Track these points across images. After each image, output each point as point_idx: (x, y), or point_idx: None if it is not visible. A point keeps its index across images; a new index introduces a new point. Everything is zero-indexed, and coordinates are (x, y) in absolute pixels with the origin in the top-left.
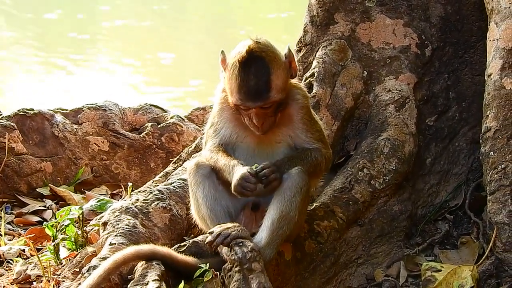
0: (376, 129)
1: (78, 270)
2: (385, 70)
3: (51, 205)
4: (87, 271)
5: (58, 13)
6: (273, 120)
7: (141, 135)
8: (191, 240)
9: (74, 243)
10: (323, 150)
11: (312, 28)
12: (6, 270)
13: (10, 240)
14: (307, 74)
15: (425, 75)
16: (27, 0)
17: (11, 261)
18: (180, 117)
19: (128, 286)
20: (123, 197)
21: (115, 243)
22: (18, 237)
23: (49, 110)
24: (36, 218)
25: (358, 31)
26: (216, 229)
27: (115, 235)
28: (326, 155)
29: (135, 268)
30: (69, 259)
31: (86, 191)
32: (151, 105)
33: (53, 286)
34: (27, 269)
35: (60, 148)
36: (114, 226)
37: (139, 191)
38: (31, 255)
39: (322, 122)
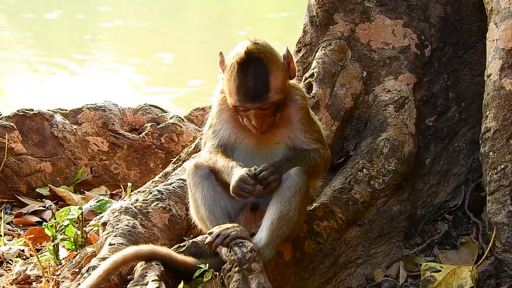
0: (375, 129)
1: (77, 270)
2: (385, 71)
3: (51, 205)
4: (86, 272)
5: (58, 13)
6: (272, 120)
7: (141, 136)
8: (190, 241)
9: (73, 244)
10: (321, 151)
11: (311, 28)
12: (6, 270)
13: (9, 241)
14: (307, 75)
15: (425, 76)
16: (27, 0)
17: (10, 262)
18: (179, 117)
19: (128, 286)
20: (122, 197)
21: (114, 244)
22: (18, 238)
23: (48, 110)
24: (35, 219)
25: (358, 32)
26: (216, 229)
27: (115, 236)
28: (325, 156)
29: (134, 269)
30: (69, 260)
31: (85, 192)
32: (150, 105)
33: (53, 286)
34: (26, 269)
35: (60, 148)
36: (113, 227)
37: (138, 192)
38: (31, 256)
39: (321, 122)
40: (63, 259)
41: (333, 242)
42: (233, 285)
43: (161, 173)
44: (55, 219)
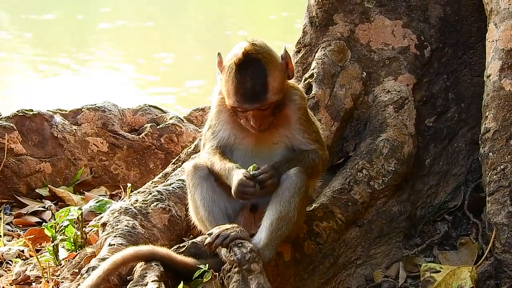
0: (375, 130)
1: (77, 271)
2: (384, 71)
3: (50, 206)
4: (86, 272)
5: (58, 14)
6: (270, 120)
7: (140, 136)
8: (190, 241)
9: (73, 244)
10: (319, 152)
11: (311, 29)
12: (5, 271)
13: (9, 241)
14: (306, 75)
15: (424, 76)
16: (27, 0)
17: (10, 262)
18: (179, 118)
19: (127, 287)
20: (122, 198)
21: (114, 244)
22: (17, 238)
23: (48, 111)
24: (35, 219)
25: (357, 32)
26: (215, 230)
27: (114, 236)
28: (323, 157)
29: (134, 269)
30: (68, 260)
31: (85, 192)
32: (150, 105)
33: (52, 287)
34: (26, 270)
35: (59, 149)
36: (113, 227)
37: (138, 192)
38: (30, 256)
39: (321, 123)
40: (62, 259)
41: (332, 243)
42: (233, 286)
43: (160, 174)
44: (55, 219)
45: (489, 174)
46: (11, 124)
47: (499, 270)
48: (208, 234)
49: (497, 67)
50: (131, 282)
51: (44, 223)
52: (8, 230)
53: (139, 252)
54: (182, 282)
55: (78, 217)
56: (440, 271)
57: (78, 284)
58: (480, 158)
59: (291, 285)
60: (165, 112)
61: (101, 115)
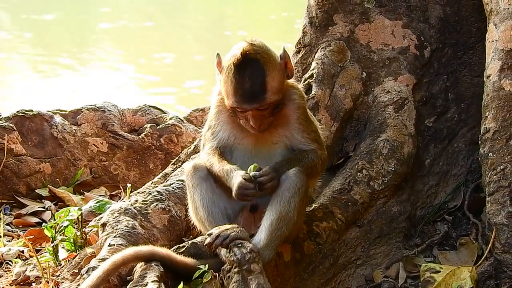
0: (375, 130)
1: (77, 271)
2: (384, 71)
3: (50, 206)
4: (86, 272)
5: (58, 14)
6: (270, 120)
7: (140, 136)
8: (190, 241)
9: (73, 244)
10: (318, 152)
11: (311, 29)
12: (5, 271)
13: (9, 241)
14: (306, 75)
15: (424, 76)
16: (27, 1)
17: (10, 262)
18: (179, 118)
19: (127, 287)
20: (122, 198)
21: (114, 244)
22: (17, 238)
23: (48, 111)
24: (35, 219)
25: (357, 32)
26: (215, 230)
27: (114, 236)
28: (322, 156)
29: (134, 269)
30: (68, 260)
31: (85, 192)
32: (150, 106)
33: (52, 287)
34: (26, 270)
35: (59, 149)
36: (113, 227)
37: (138, 192)
38: (30, 256)
39: (321, 123)
40: (62, 260)
41: (332, 243)
42: (233, 286)
43: (160, 174)
44: (55, 220)
45: (489, 174)
46: (11, 125)
47: (499, 270)
48: (208, 235)
49: (497, 68)
50: (131, 283)
51: (44, 224)
52: (8, 231)
53: (139, 252)
54: (182, 283)
55: (78, 218)
56: (440, 271)
57: (78, 285)
58: (480, 158)
59: (291, 285)
60: (165, 113)
61: (101, 115)
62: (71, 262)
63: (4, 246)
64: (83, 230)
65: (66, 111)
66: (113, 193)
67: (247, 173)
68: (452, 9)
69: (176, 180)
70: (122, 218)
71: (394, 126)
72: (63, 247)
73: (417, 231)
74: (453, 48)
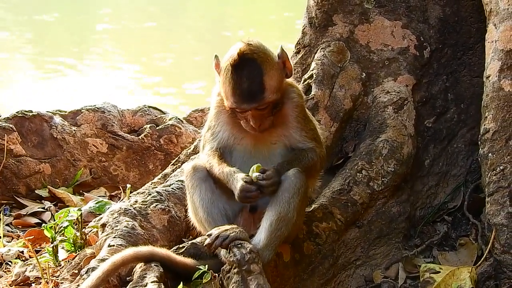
0: (374, 130)
1: (76, 271)
2: (384, 72)
3: (50, 207)
4: (85, 273)
5: (58, 14)
6: (270, 120)
7: (140, 137)
8: (189, 242)
9: (72, 245)
10: (317, 150)
11: (310, 29)
12: (5, 271)
13: (9, 242)
14: (306, 76)
15: (424, 77)
16: (27, 1)
17: (10, 263)
18: (178, 118)
19: (127, 287)
20: (121, 198)
21: (113, 245)
22: (17, 239)
23: (47, 112)
24: (34, 220)
25: (357, 33)
26: (215, 231)
27: (114, 237)
28: (321, 154)
29: (134, 270)
30: (68, 261)
31: (84, 193)
32: (149, 106)
33: (52, 287)
34: (26, 270)
35: (59, 150)
36: (112, 228)
37: (137, 193)
38: (30, 257)
39: (320, 123)
40: (62, 260)
41: (332, 244)
42: (232, 286)
43: (160, 175)
44: (54, 220)
45: (489, 175)
46: (11, 125)
47: (499, 271)
48: (207, 235)
49: (497, 68)
50: (130, 283)
51: (43, 224)
52: (8, 231)
53: (138, 253)
54: (181, 283)
55: (77, 218)
56: (439, 272)
57: (78, 285)
58: (479, 159)
59: (291, 285)
60: (165, 113)
61: (100, 116)
62: (71, 262)
63: (4, 246)
64: (82, 230)
65: (65, 112)
66: (112, 193)
67: (248, 175)
68: (451, 9)
69: (176, 181)
70: (122, 218)
71: (393, 127)
72: (62, 248)
73: (417, 231)
74: (452, 49)
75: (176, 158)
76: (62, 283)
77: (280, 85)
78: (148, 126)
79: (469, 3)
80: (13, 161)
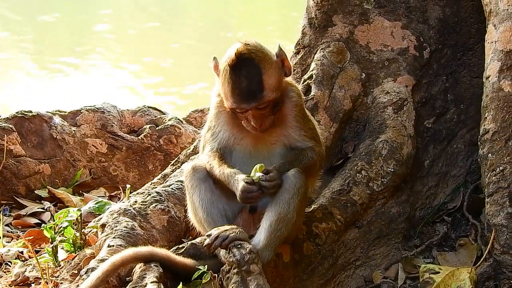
0: (374, 131)
1: (76, 272)
2: (383, 72)
3: (50, 207)
4: (85, 273)
5: (57, 15)
6: (271, 119)
7: (139, 137)
8: (189, 242)
9: (72, 245)
10: (316, 149)
11: (310, 30)
12: (5, 272)
13: (8, 242)
14: (306, 76)
15: (423, 77)
16: (26, 1)
17: (9, 263)
18: (178, 119)
19: (126, 287)
20: (121, 199)
21: (113, 245)
22: (17, 239)
23: (47, 112)
24: (34, 220)
25: (357, 33)
26: (214, 231)
27: (114, 237)
28: (320, 153)
29: (133, 270)
30: (68, 261)
31: (84, 193)
32: (149, 107)
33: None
34: (25, 271)
35: (59, 150)
36: (112, 228)
37: (137, 193)
38: (30, 257)
39: (320, 124)
40: (62, 260)
41: (331, 244)
42: (232, 287)
43: (159, 175)
44: (54, 220)
45: (488, 175)
46: (10, 125)
47: (498, 271)
48: (207, 235)
49: (496, 68)
50: (130, 283)
51: (43, 224)
52: (8, 231)
53: (138, 253)
54: (181, 283)
55: (77, 218)
56: (439, 272)
57: (77, 285)
58: (479, 159)
59: (290, 286)
60: (164, 114)
61: (100, 116)
62: (71, 263)
63: (4, 247)
64: (82, 231)
65: (65, 112)
66: (112, 194)
67: (248, 176)
68: (451, 10)
69: (175, 181)
70: (122, 219)
71: (393, 127)
72: (62, 248)
73: (416, 232)
74: (452, 49)
75: (176, 159)
76: (61, 283)
77: (279, 84)
78: (148, 126)
79: (469, 3)
80: (12, 162)
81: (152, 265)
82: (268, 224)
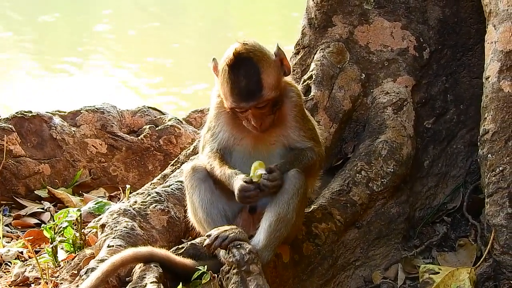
0: (374, 131)
1: (76, 272)
2: (383, 73)
3: (49, 207)
4: (85, 273)
5: (57, 15)
6: (271, 119)
7: (139, 138)
8: (189, 243)
9: (72, 245)
10: (315, 149)
11: (310, 30)
12: (5, 272)
13: (8, 242)
14: (305, 77)
15: (423, 78)
16: (26, 1)
17: (9, 263)
18: (178, 119)
19: None
20: (121, 199)
21: (113, 245)
22: (16, 239)
23: (47, 112)
24: (34, 220)
25: (356, 34)
26: (214, 231)
27: (113, 237)
28: (319, 153)
29: (133, 270)
30: (67, 261)
31: (84, 194)
32: (149, 107)
33: None
34: (25, 271)
35: (58, 151)
36: (112, 228)
37: (137, 194)
38: (29, 257)
39: (320, 124)
40: (61, 261)
41: (331, 244)
42: (232, 287)
43: (159, 175)
44: (54, 221)
45: (488, 176)
46: (10, 126)
47: (498, 272)
48: (206, 236)
49: (496, 69)
50: (130, 284)
51: (43, 225)
52: (7, 232)
53: (138, 253)
54: (181, 284)
55: (77, 219)
56: (439, 273)
57: (77, 286)
58: (479, 160)
59: (290, 286)
60: (164, 114)
61: (100, 116)
62: (70, 263)
63: (4, 247)
64: (82, 231)
65: (65, 112)
66: (112, 194)
67: (247, 175)
68: (451, 10)
69: (175, 181)
70: (121, 219)
71: (393, 128)
72: (62, 248)
73: (416, 232)
74: (452, 50)
75: (176, 159)
76: (61, 283)
77: (278, 83)
78: (148, 126)
79: (468, 4)
80: (12, 162)
81: (151, 265)
82: (267, 224)
